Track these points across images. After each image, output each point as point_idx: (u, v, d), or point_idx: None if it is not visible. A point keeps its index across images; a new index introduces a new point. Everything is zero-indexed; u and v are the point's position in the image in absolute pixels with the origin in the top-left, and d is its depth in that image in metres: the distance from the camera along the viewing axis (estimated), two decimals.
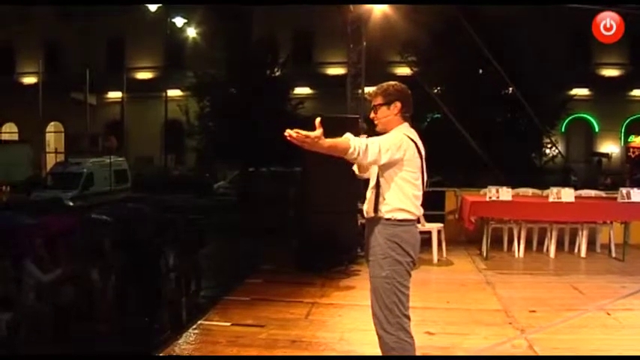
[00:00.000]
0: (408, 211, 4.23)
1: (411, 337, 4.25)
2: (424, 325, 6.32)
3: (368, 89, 12.95)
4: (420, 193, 4.31)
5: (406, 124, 4.35)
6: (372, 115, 4.41)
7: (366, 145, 3.93)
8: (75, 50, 35.24)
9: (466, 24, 15.10)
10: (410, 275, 4.30)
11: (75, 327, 7.24)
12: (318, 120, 3.74)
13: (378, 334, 4.31)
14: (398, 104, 4.33)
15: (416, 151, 4.23)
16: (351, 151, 3.88)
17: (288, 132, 3.71)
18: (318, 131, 3.75)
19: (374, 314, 4.32)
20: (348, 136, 3.93)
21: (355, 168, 4.52)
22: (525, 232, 10.46)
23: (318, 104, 30.21)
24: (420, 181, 4.28)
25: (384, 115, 4.34)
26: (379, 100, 4.34)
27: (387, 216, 4.23)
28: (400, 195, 4.21)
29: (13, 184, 23.24)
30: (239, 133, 24.87)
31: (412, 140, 4.23)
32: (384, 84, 4.40)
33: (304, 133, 3.70)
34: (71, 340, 6.99)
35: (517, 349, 5.76)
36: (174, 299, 9.70)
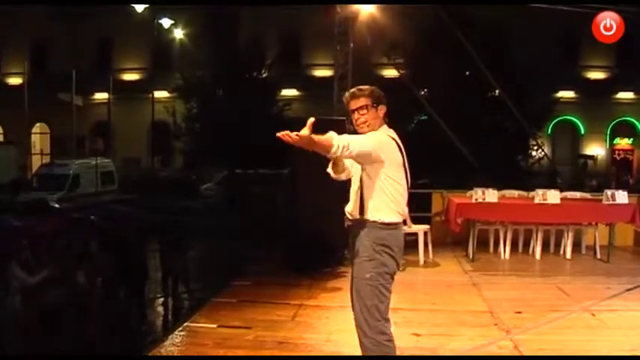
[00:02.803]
0: (395, 214, 4.26)
1: (390, 340, 4.29)
2: (410, 327, 6.35)
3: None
4: (406, 193, 4.36)
5: (386, 126, 4.43)
6: (356, 116, 4.40)
7: (348, 142, 3.96)
8: (61, 51, 35.00)
9: (453, 26, 15.15)
10: (393, 279, 4.34)
11: (61, 329, 7.21)
12: (310, 120, 3.79)
13: (358, 335, 4.37)
14: (384, 107, 4.41)
15: (397, 149, 4.29)
16: (334, 149, 3.91)
17: (282, 134, 3.76)
18: (305, 131, 3.76)
19: (355, 316, 4.39)
20: (332, 134, 3.95)
21: (330, 170, 4.52)
22: (511, 234, 10.52)
23: (305, 106, 30.16)
24: (404, 180, 4.34)
25: (374, 116, 4.38)
26: (367, 101, 4.36)
27: (373, 218, 4.26)
28: (385, 197, 4.26)
29: None
30: (226, 135, 24.85)
31: (393, 139, 4.31)
32: (364, 87, 4.44)
33: (299, 133, 3.74)
34: (58, 342, 6.95)
35: (503, 350, 5.79)
36: (161, 301, 9.70)
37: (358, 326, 4.35)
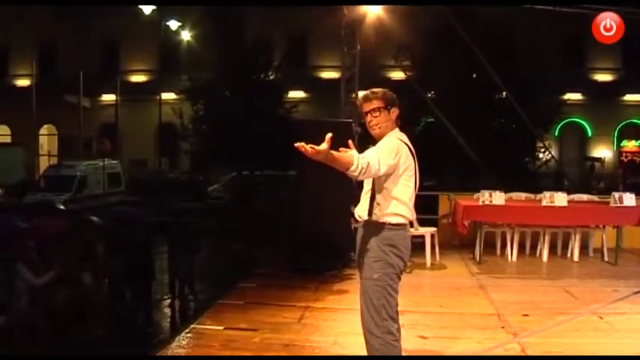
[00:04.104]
0: (403, 216, 4.30)
1: (397, 340, 4.32)
2: (417, 329, 6.34)
3: (361, 94, 12.93)
4: (414, 195, 4.38)
5: (397, 129, 4.45)
6: (369, 118, 4.42)
7: (368, 164, 3.98)
8: (69, 53, 35.15)
9: (460, 28, 15.13)
10: (400, 279, 4.36)
11: (68, 330, 7.22)
12: (329, 136, 3.77)
13: (364, 336, 4.39)
14: (396, 110, 4.44)
15: (409, 153, 4.31)
16: (353, 168, 3.92)
17: (300, 145, 3.73)
18: (324, 145, 3.76)
19: (362, 316, 4.40)
20: (353, 154, 3.96)
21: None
22: (518, 236, 10.49)
23: (311, 108, 30.24)
24: (413, 182, 4.36)
25: (386, 119, 4.40)
26: (379, 104, 4.39)
27: (381, 220, 4.29)
28: (395, 199, 4.28)
29: (5, 186, 23.17)
30: (233, 137, 24.89)
31: (405, 143, 4.32)
32: (377, 89, 4.46)
33: (316, 148, 3.73)
34: (64, 343, 6.96)
35: (510, 353, 5.77)
36: (167, 302, 9.71)
37: (365, 326, 4.36)
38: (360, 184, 4.55)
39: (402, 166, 4.25)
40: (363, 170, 3.95)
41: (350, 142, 4.02)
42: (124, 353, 7.09)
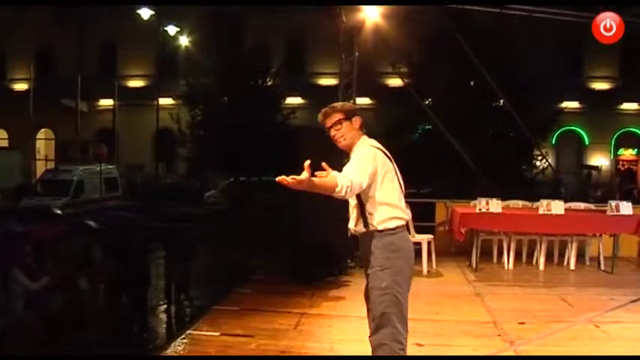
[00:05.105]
0: (399, 218, 4.30)
1: (404, 349, 4.29)
2: (413, 337, 6.27)
3: (359, 100, 12.93)
4: (402, 195, 4.40)
5: (365, 136, 4.46)
6: (333, 132, 4.43)
7: (351, 181, 3.98)
8: (66, 57, 35.10)
9: (458, 36, 15.14)
10: (408, 286, 4.35)
11: (63, 335, 7.21)
12: (307, 163, 3.75)
13: (371, 344, 4.36)
14: (358, 118, 4.45)
15: (384, 156, 4.33)
16: (338, 189, 3.91)
17: (281, 178, 3.71)
18: (304, 174, 3.75)
19: (370, 324, 4.38)
20: (335, 175, 3.95)
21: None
22: (515, 244, 10.48)
23: (309, 114, 30.07)
24: (397, 183, 4.37)
25: (350, 129, 4.41)
26: (340, 116, 4.41)
27: (380, 227, 4.29)
28: (386, 205, 4.29)
29: (2, 191, 23.14)
30: (230, 142, 24.89)
31: (378, 148, 4.35)
32: (335, 104, 4.52)
33: (298, 178, 3.71)
34: (59, 348, 6.94)
35: None
36: (163, 308, 9.69)
37: (374, 334, 4.34)
38: None
39: (380, 171, 4.25)
40: (349, 189, 3.95)
41: (324, 164, 3.98)
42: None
